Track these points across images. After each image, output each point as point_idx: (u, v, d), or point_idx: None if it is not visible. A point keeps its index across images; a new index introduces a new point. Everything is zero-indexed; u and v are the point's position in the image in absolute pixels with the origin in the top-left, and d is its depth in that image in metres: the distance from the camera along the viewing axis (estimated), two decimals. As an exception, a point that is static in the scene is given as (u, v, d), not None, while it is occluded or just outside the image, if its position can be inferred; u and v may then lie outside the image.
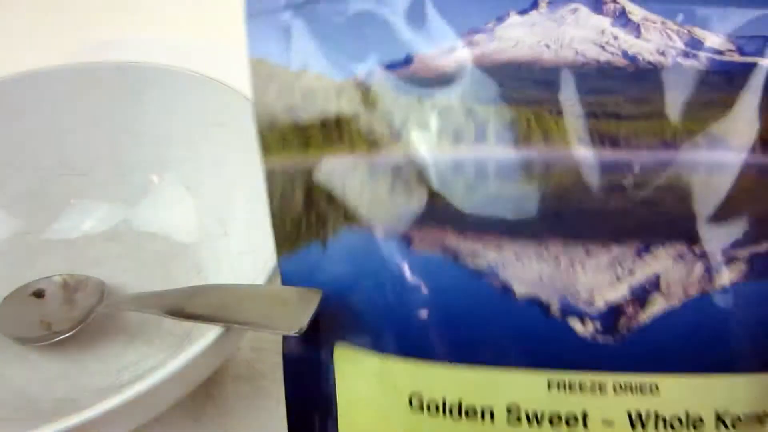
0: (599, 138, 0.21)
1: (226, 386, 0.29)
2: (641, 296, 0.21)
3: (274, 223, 0.23)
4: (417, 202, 0.22)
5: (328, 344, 0.23)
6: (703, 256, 0.21)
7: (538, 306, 0.21)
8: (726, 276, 0.21)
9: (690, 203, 0.21)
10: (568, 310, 0.21)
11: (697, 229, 0.21)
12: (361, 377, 0.22)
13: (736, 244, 0.21)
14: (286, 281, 0.24)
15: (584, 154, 0.21)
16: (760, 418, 0.21)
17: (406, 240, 0.22)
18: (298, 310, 0.22)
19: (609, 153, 0.21)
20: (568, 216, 0.21)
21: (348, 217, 0.23)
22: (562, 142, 0.21)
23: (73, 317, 0.30)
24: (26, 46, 0.51)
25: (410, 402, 0.21)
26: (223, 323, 0.23)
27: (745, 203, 0.21)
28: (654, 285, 0.21)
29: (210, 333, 0.22)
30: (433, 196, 0.22)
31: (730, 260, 0.21)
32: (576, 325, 0.21)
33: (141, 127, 0.35)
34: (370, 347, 0.22)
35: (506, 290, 0.21)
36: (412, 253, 0.22)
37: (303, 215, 0.23)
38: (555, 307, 0.21)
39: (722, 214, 0.21)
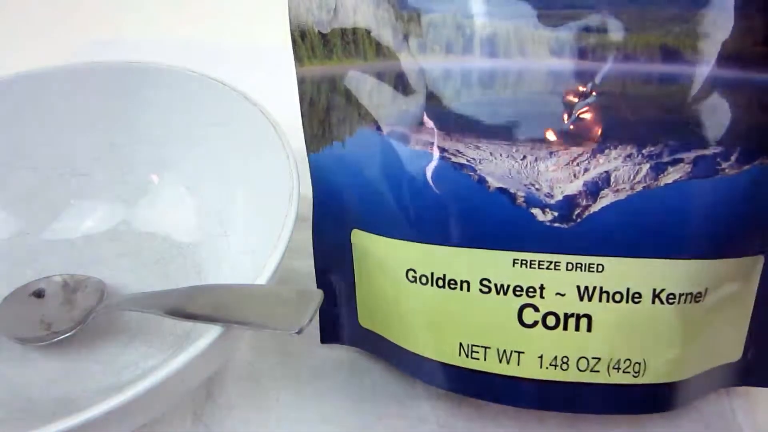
0: (569, 50, 0.24)
1: (226, 386, 0.29)
2: (593, 190, 0.24)
3: (304, 124, 0.27)
4: (414, 105, 0.25)
5: (347, 229, 0.27)
6: (651, 157, 0.23)
7: (507, 196, 0.24)
8: (671, 175, 0.23)
9: (643, 110, 0.24)
10: (531, 200, 0.24)
11: (648, 133, 0.24)
12: (371, 255, 0.27)
13: (683, 148, 0.23)
14: (315, 175, 0.28)
15: (553, 64, 0.24)
16: (694, 297, 0.24)
17: (405, 138, 0.25)
18: (298, 310, 0.22)
19: (575, 63, 0.24)
20: (535, 120, 0.24)
21: (361, 118, 0.26)
22: (536, 54, 0.24)
23: (73, 317, 0.30)
24: (26, 46, 0.51)
25: (406, 275, 0.26)
26: (223, 323, 0.23)
27: (696, 112, 0.23)
28: (605, 181, 0.24)
29: (210, 333, 0.22)
30: (426, 101, 0.25)
31: (676, 161, 0.23)
32: (537, 213, 0.24)
33: (141, 127, 0.35)
34: (376, 231, 0.26)
35: (482, 182, 0.24)
36: (408, 149, 0.25)
37: (326, 117, 0.27)
38: (521, 198, 0.24)
39: (673, 121, 0.24)
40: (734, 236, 0.24)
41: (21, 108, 0.34)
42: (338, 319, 0.29)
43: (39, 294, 0.31)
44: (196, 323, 0.27)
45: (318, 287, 0.29)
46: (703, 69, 0.23)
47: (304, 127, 0.27)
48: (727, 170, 0.23)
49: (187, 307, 0.25)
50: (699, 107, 0.23)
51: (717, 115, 0.23)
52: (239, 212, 0.32)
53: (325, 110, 0.27)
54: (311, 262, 0.29)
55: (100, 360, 0.29)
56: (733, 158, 0.23)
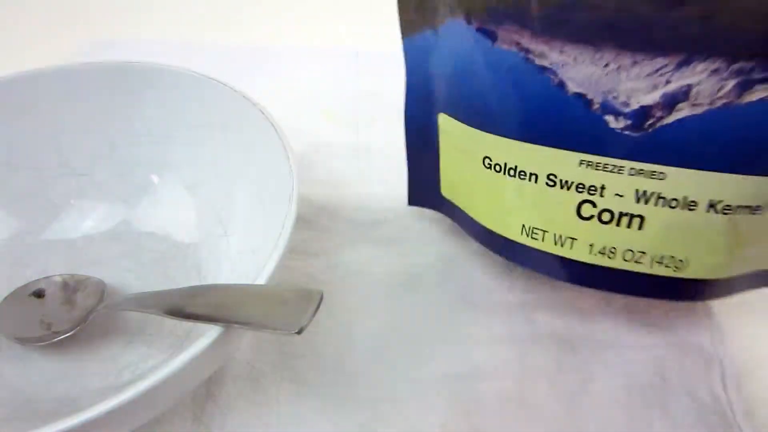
0: None
1: (226, 386, 0.29)
2: (671, 103, 0.24)
3: (399, 8, 0.29)
4: (503, 3, 0.25)
5: (435, 111, 0.31)
6: (740, 73, 0.23)
7: (584, 101, 0.25)
8: (757, 93, 0.23)
9: (741, 22, 0.22)
10: (607, 107, 0.25)
11: (742, 47, 0.22)
12: (454, 139, 0.30)
13: None
14: (409, 59, 0.30)
15: None
16: (752, 209, 0.25)
17: (493, 35, 0.26)
18: (298, 310, 0.22)
19: None
20: (624, 27, 0.24)
21: (452, 9, 0.27)
22: None
23: (73, 317, 0.30)
24: (26, 46, 0.51)
25: (483, 161, 0.29)
26: (223, 323, 0.23)
27: None
28: (684, 94, 0.24)
29: (210, 333, 0.22)
30: (517, 1, 0.25)
31: (766, 79, 0.22)
32: (610, 119, 0.25)
33: (141, 127, 0.35)
34: (460, 119, 0.29)
35: (561, 86, 0.25)
36: (495, 46, 0.26)
37: (421, 4, 0.29)
38: (597, 104, 0.25)
39: None
40: None
41: (21, 108, 0.34)
42: (424, 187, 0.34)
43: (39, 294, 0.31)
44: (196, 323, 0.27)
45: (407, 159, 0.34)
46: None
47: (399, 12, 0.29)
48: None
49: (187, 307, 0.25)
50: None
51: None
52: (239, 212, 0.32)
53: None
54: (311, 261, 0.29)
55: (100, 360, 0.29)
56: None
